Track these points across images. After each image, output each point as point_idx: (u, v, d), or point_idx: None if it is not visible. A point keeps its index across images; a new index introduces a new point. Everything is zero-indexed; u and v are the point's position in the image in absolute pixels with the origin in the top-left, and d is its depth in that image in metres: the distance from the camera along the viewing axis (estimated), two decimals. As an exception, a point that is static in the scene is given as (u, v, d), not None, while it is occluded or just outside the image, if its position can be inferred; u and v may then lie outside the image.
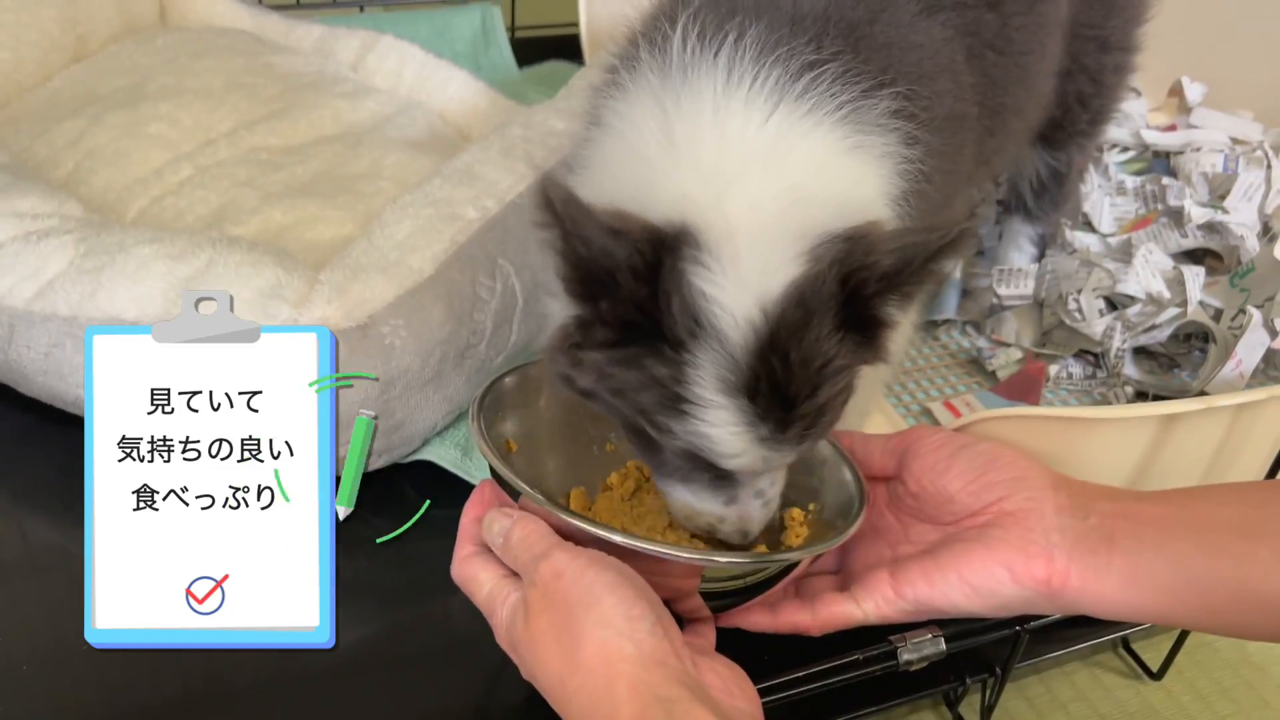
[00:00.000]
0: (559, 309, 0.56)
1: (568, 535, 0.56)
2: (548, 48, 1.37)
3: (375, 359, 0.72)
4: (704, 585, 0.59)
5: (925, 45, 0.67)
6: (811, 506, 0.67)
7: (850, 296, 0.52)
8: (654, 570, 0.55)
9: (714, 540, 0.62)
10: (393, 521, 0.76)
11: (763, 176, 0.54)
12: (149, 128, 0.95)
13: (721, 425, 0.52)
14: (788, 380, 0.52)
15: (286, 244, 0.85)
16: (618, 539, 0.54)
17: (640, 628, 0.51)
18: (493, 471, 0.60)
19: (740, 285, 0.51)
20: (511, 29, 1.40)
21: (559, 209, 0.49)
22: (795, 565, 0.60)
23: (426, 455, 0.79)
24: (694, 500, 0.59)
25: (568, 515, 0.56)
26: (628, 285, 0.51)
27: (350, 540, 0.73)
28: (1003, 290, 1.00)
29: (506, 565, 0.58)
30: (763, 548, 0.65)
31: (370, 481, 0.77)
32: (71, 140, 0.93)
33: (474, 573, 0.59)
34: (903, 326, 0.76)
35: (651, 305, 0.52)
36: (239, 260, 0.73)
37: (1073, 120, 0.93)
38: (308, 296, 0.71)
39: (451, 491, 0.77)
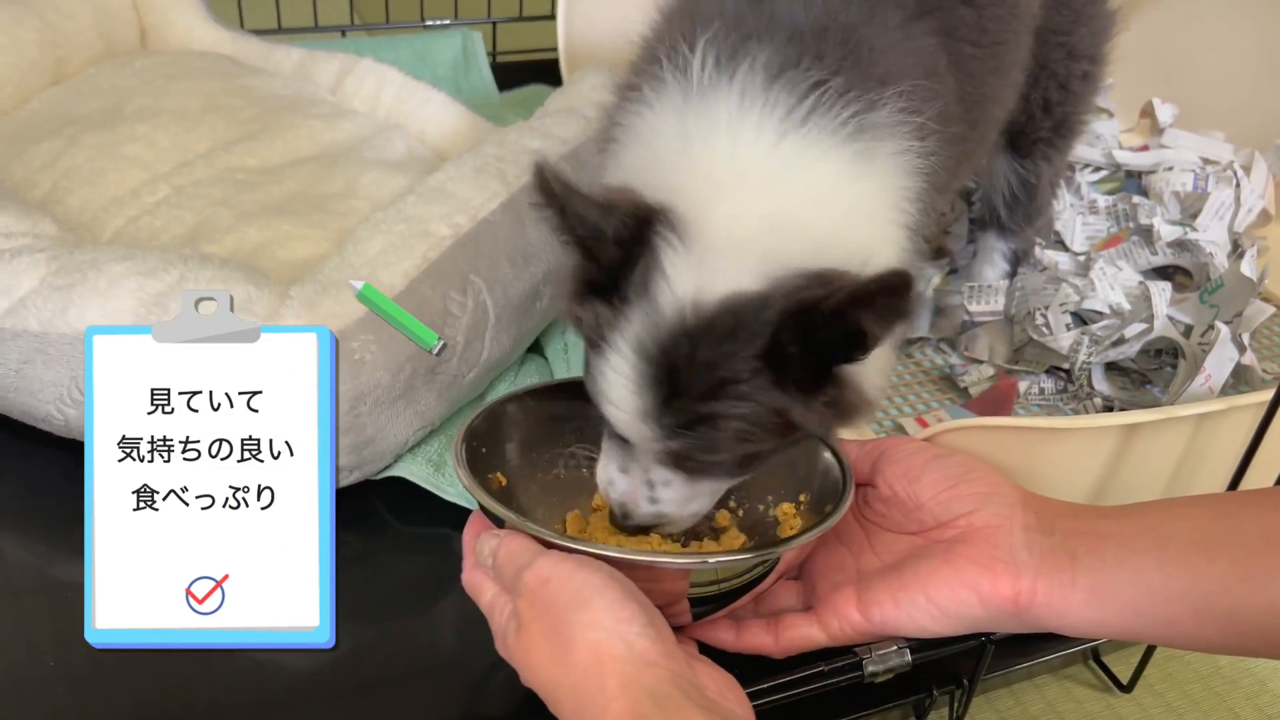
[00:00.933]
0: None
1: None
2: (528, 72, 1.38)
3: (345, 374, 0.72)
4: (691, 591, 0.59)
5: (915, 51, 0.69)
6: (802, 498, 0.68)
7: (789, 336, 0.54)
8: (646, 579, 0.56)
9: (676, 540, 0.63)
10: (365, 538, 0.76)
11: (756, 196, 0.58)
12: (126, 148, 0.95)
13: (618, 374, 0.56)
14: (684, 370, 0.54)
15: (261, 262, 0.86)
16: (610, 553, 0.56)
17: (631, 629, 0.51)
18: (481, 507, 0.61)
19: (691, 275, 0.55)
20: (493, 54, 1.41)
21: (554, 189, 0.53)
22: (779, 560, 0.61)
23: (398, 471, 0.79)
24: (601, 462, 0.63)
25: (555, 537, 0.57)
26: (608, 253, 0.55)
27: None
28: (974, 307, 1.01)
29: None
30: (712, 545, 0.66)
31: (341, 498, 0.76)
32: (48, 161, 0.94)
33: (479, 580, 0.60)
34: (881, 359, 0.78)
35: (623, 267, 0.56)
36: (210, 276, 0.74)
37: (1036, 126, 0.94)
38: (278, 311, 0.72)
39: (423, 508, 0.78)
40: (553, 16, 1.13)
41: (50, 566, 0.72)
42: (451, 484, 0.79)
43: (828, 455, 0.66)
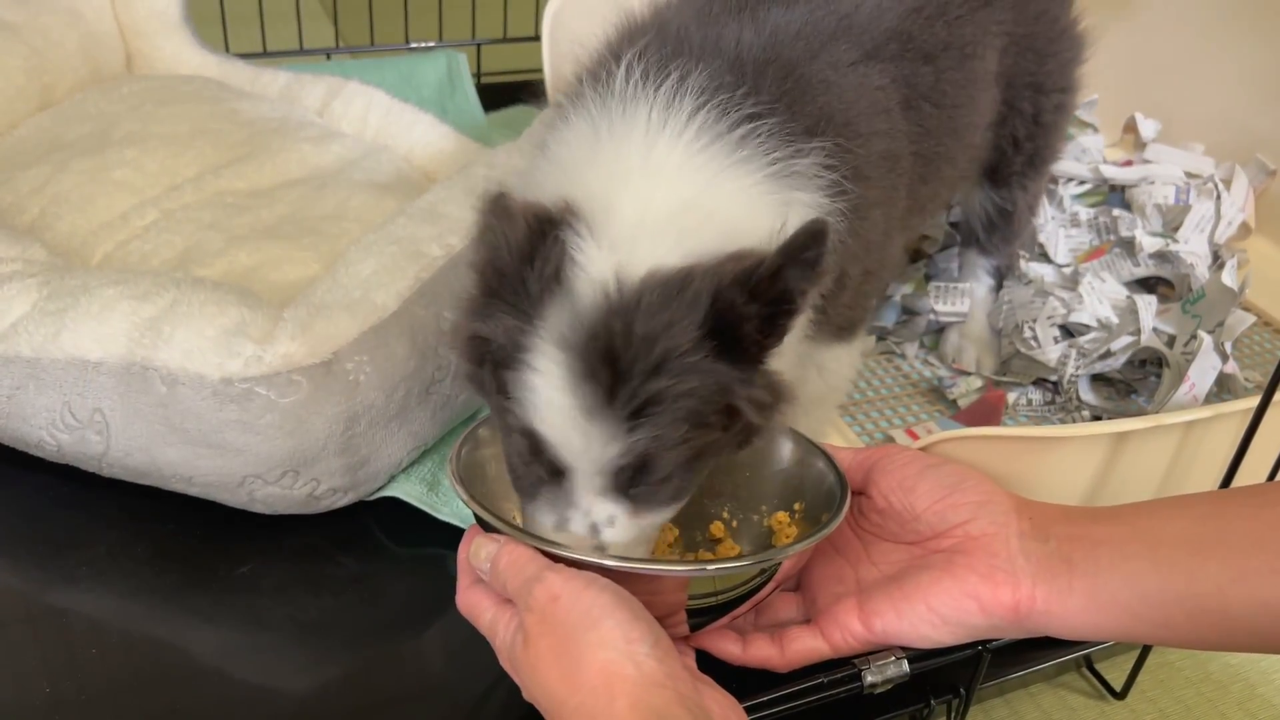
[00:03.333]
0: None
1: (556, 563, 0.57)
2: (513, 93, 1.39)
3: (340, 395, 0.72)
4: (690, 602, 0.59)
5: (861, 88, 0.70)
6: (797, 506, 0.68)
7: (720, 311, 0.52)
8: (645, 590, 0.56)
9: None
10: (360, 560, 0.76)
11: (667, 191, 0.57)
12: (114, 173, 0.95)
13: (548, 376, 0.53)
14: (624, 347, 0.51)
15: (252, 285, 0.86)
16: (608, 563, 0.55)
17: (639, 650, 0.51)
18: (478, 519, 0.61)
19: (606, 257, 0.53)
20: (477, 75, 1.42)
21: (486, 207, 0.53)
22: (777, 568, 0.61)
23: (392, 492, 0.79)
24: (536, 514, 0.58)
25: (555, 547, 0.56)
26: (505, 258, 0.53)
27: (316, 578, 0.74)
28: (940, 306, 1.03)
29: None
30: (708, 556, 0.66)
31: (335, 519, 0.77)
32: (36, 186, 0.94)
33: (476, 600, 0.59)
34: (850, 353, 0.79)
35: (518, 263, 0.54)
36: (203, 299, 0.74)
37: (1008, 162, 0.95)
38: (272, 334, 0.72)
39: (418, 529, 0.77)
40: (537, 38, 1.13)
41: (43, 594, 0.71)
42: (445, 503, 0.79)
43: (821, 464, 0.67)
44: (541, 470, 0.57)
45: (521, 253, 0.54)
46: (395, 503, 0.79)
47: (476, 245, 0.55)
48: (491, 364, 0.56)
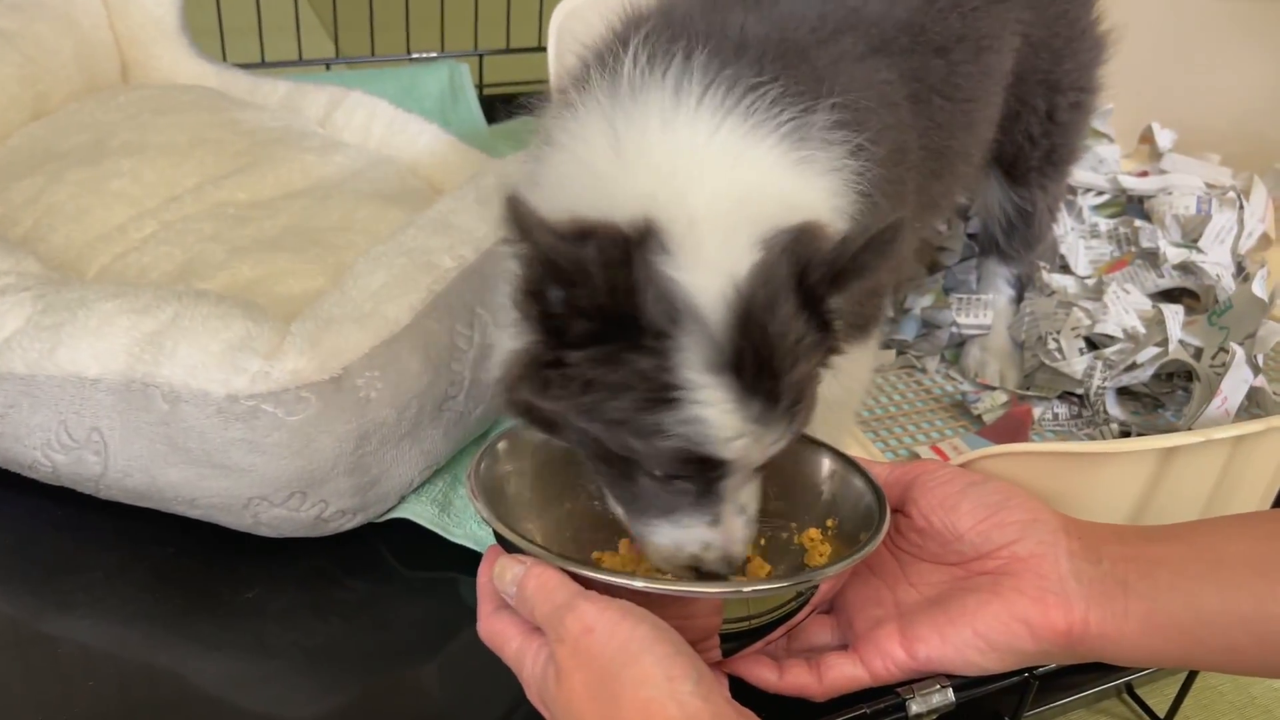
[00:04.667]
0: (508, 339, 0.57)
1: (586, 585, 0.54)
2: (516, 105, 1.36)
3: (350, 412, 0.69)
4: (724, 627, 0.57)
5: (869, 80, 0.69)
6: (829, 523, 0.65)
7: (801, 282, 0.54)
8: (678, 614, 0.53)
9: (701, 577, 0.59)
10: (370, 584, 0.73)
11: (715, 176, 0.56)
12: (111, 184, 0.92)
13: (715, 405, 0.52)
14: (770, 353, 0.52)
15: (256, 298, 0.82)
16: (638, 584, 0.53)
17: (683, 688, 0.48)
18: (498, 538, 0.58)
19: (710, 268, 0.52)
20: (480, 86, 1.40)
21: (526, 222, 0.50)
22: (815, 590, 0.58)
23: (403, 513, 0.76)
24: (676, 530, 0.58)
25: (582, 567, 0.54)
26: (600, 279, 0.51)
27: (324, 603, 0.71)
28: (962, 319, 1.00)
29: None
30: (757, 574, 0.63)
31: (344, 542, 0.74)
32: (30, 197, 0.91)
33: (500, 628, 0.56)
34: (866, 354, 0.76)
35: (626, 300, 0.52)
36: (206, 313, 0.71)
37: (1025, 158, 0.94)
38: (279, 348, 0.69)
39: (429, 551, 0.75)
40: (540, 49, 1.12)
41: (35, 621, 0.68)
42: (458, 524, 0.76)
43: (858, 481, 0.64)
44: (691, 485, 0.56)
45: (623, 288, 0.51)
46: (406, 524, 0.76)
47: (524, 272, 0.52)
48: (629, 409, 0.53)
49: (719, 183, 0.56)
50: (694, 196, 0.54)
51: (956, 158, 0.80)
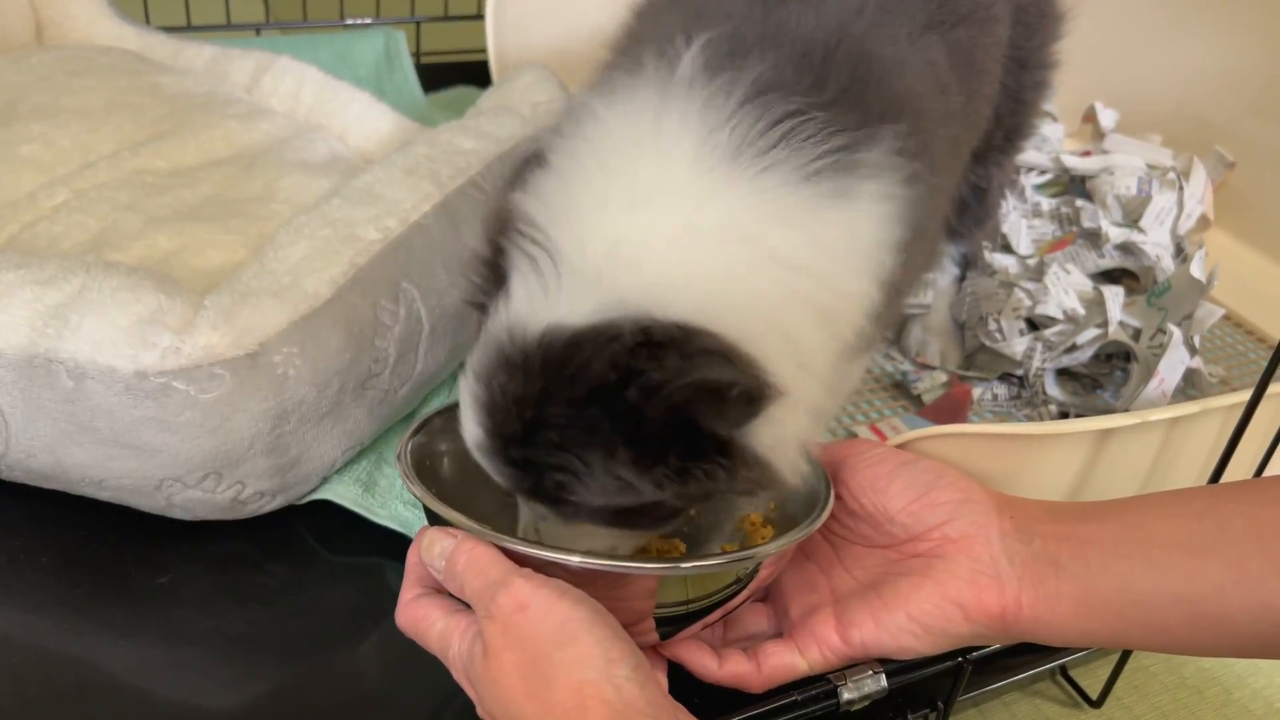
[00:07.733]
0: None
1: (519, 562, 0.52)
2: (454, 74, 1.33)
3: (267, 390, 0.66)
4: (658, 611, 0.55)
5: (926, 63, 0.64)
6: (771, 506, 0.63)
7: (614, 387, 0.47)
8: (613, 594, 0.51)
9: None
10: (290, 569, 0.70)
11: (650, 220, 0.50)
12: (20, 149, 0.88)
13: (464, 397, 0.53)
14: (503, 405, 0.50)
15: (173, 271, 0.79)
16: (575, 561, 0.51)
17: (620, 671, 0.47)
18: (429, 515, 0.56)
19: (525, 300, 0.51)
20: (416, 55, 1.36)
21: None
22: (755, 575, 0.56)
23: (325, 495, 0.73)
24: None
25: (516, 542, 0.52)
26: (479, 265, 0.54)
27: (242, 589, 0.68)
28: None
29: (454, 596, 0.54)
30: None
31: (263, 525, 0.72)
32: (-69, 163, 0.86)
33: (424, 612, 0.54)
34: (864, 363, 0.74)
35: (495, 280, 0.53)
36: (115, 285, 0.67)
37: (989, 136, 0.92)
38: (191, 323, 0.65)
39: (352, 534, 0.72)
40: (479, 16, 1.09)
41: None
42: (382, 505, 0.73)
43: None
44: None
45: (490, 261, 0.54)
46: (328, 507, 0.73)
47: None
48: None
49: (651, 227, 0.51)
50: (585, 228, 0.51)
51: (973, 137, 0.77)
